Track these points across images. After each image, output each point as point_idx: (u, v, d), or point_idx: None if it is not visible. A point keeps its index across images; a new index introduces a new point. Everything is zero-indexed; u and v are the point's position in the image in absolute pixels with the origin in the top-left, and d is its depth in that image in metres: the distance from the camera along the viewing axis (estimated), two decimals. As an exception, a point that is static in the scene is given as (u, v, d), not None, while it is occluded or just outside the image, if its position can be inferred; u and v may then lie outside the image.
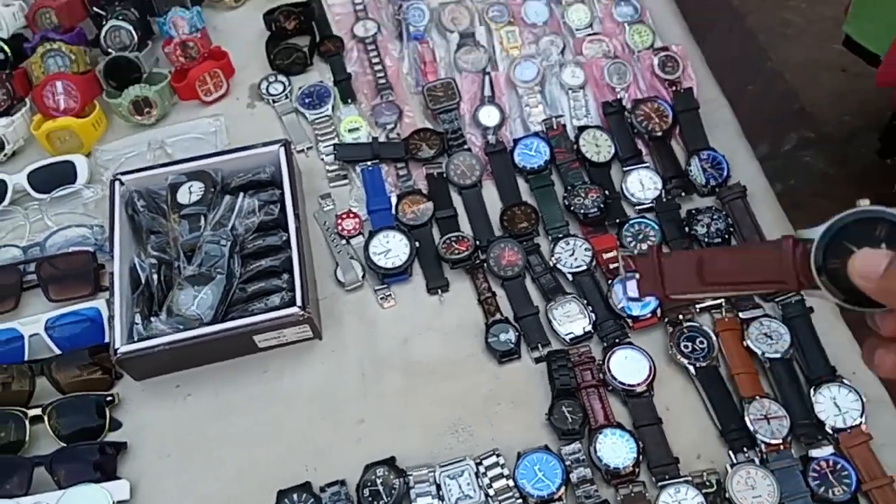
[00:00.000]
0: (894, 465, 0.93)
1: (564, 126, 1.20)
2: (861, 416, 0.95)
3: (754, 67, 2.29)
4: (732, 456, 0.95)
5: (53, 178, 1.21)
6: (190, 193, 1.10)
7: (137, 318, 1.01)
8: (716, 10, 2.40)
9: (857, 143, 2.10)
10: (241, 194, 1.09)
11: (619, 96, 1.22)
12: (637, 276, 0.72)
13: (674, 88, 1.22)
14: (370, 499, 0.93)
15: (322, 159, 1.21)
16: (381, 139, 1.21)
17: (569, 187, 1.15)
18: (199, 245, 1.05)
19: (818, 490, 0.92)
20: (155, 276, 1.04)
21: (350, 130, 1.22)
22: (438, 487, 0.93)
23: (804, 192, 2.04)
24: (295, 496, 0.93)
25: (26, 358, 1.05)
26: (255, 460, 0.98)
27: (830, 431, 0.95)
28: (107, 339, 1.05)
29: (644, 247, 1.09)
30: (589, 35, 1.28)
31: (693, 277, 0.67)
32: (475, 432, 0.98)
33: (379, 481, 0.94)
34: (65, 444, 0.99)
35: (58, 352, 1.06)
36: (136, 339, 1.00)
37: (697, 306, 1.05)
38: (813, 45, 2.29)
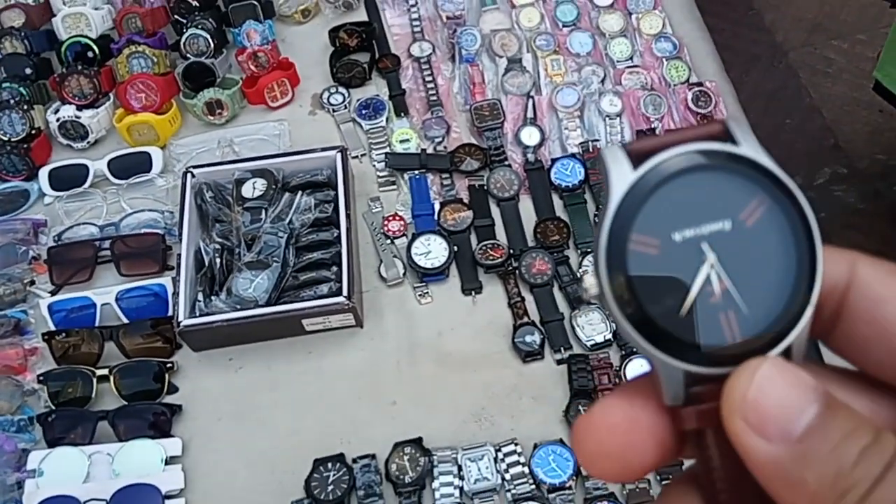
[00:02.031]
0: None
1: (600, 150, 1.28)
2: None
3: (793, 102, 2.34)
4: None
5: (131, 166, 1.31)
6: (253, 189, 1.19)
7: (199, 296, 1.11)
8: (761, 45, 2.46)
9: (889, 180, 2.13)
10: (300, 193, 1.18)
11: (653, 126, 1.30)
12: None
13: (705, 121, 1.30)
14: (397, 473, 1.01)
15: (374, 166, 1.30)
16: (429, 151, 1.30)
17: (600, 206, 1.23)
18: (258, 235, 1.14)
19: None
20: (217, 260, 1.14)
21: (401, 141, 1.31)
22: (459, 468, 1.01)
23: (835, 225, 2.08)
24: (329, 465, 1.02)
25: (97, 324, 1.16)
26: (295, 430, 1.07)
27: None
28: (170, 313, 1.15)
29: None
30: (629, 67, 1.36)
31: None
32: (497, 422, 1.06)
33: (406, 458, 1.02)
34: (126, 403, 1.10)
35: (125, 321, 1.16)
36: (197, 314, 1.10)
37: None
38: (852, 84, 2.33)
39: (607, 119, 1.31)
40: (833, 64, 2.39)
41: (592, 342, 1.11)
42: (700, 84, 1.33)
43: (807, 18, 2.49)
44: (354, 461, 1.03)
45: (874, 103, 2.17)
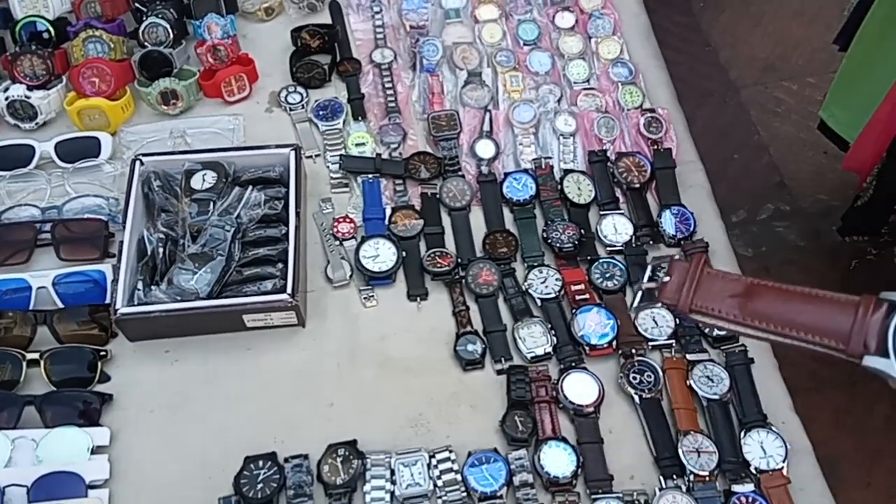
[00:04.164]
0: (807, 509, 1.00)
1: (552, 167, 1.29)
2: (783, 462, 1.02)
3: (742, 138, 2.40)
4: (662, 481, 1.02)
5: (78, 150, 1.28)
6: (203, 181, 1.18)
7: (139, 285, 1.09)
8: (715, 81, 2.53)
9: (829, 220, 2.19)
10: (250, 188, 1.17)
11: (605, 147, 1.31)
12: (665, 278, 0.66)
13: (655, 147, 1.31)
14: (329, 474, 1.00)
15: (328, 167, 1.29)
16: (384, 156, 1.30)
17: (549, 222, 1.23)
18: (205, 227, 1.13)
19: (735, 522, 0.99)
20: (161, 250, 1.12)
21: (357, 144, 1.31)
22: (392, 472, 1.01)
23: (774, 259, 2.13)
24: (260, 463, 1.01)
25: (31, 307, 1.13)
26: (229, 426, 1.05)
27: (754, 471, 1.02)
28: (107, 301, 1.13)
29: (610, 284, 1.18)
30: (585, 89, 1.38)
31: (733, 302, 0.60)
32: (433, 428, 1.06)
33: (339, 460, 1.01)
34: (55, 389, 1.06)
35: (61, 306, 1.13)
36: (135, 303, 1.08)
37: (650, 344, 1.13)
38: (800, 125, 2.41)
39: (561, 138, 1.32)
40: (782, 104, 2.47)
41: (532, 354, 1.11)
42: (652, 110, 1.35)
43: (760, 58, 2.57)
44: (286, 460, 1.01)
45: (820, 145, 2.24)
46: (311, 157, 1.30)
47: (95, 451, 1.02)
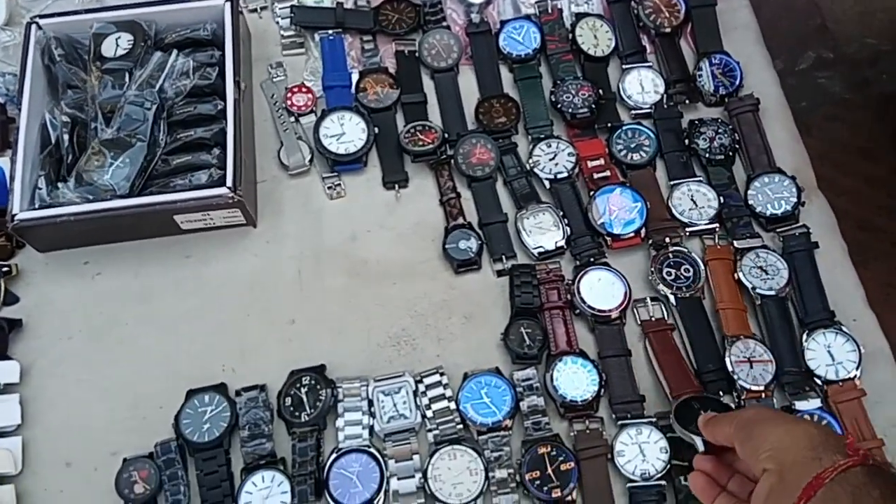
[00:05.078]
0: (886, 426, 0.84)
1: (561, 11, 1.10)
2: (856, 369, 0.87)
3: (779, -28, 2.14)
4: (706, 399, 0.86)
5: (-34, 15, 1.07)
6: (116, 46, 0.98)
7: (41, 183, 0.90)
8: None
9: (879, 67, 1.98)
10: (175, 52, 0.98)
11: (627, -20, 1.10)
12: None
13: None
14: (291, 409, 0.85)
15: (277, 22, 1.10)
16: (348, 5, 1.10)
17: (558, 81, 1.04)
18: (120, 105, 0.93)
19: (797, 446, 0.83)
20: (66, 137, 0.94)
21: (313, -9, 1.10)
22: (370, 403, 0.85)
23: (816, 116, 1.94)
24: (206, 398, 0.85)
25: (-86, 214, 0.95)
26: (167, 353, 0.91)
27: (820, 383, 0.87)
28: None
29: (636, 157, 0.98)
30: None
31: None
32: (419, 346, 0.91)
33: (304, 391, 0.86)
34: (-51, 317, 0.90)
35: (-48, 211, 0.95)
36: (37, 205, 0.90)
37: (688, 230, 0.94)
38: (845, -44, 2.15)
39: (572, -29, 1.11)
40: (827, -68, 2.19)
41: (541, 249, 0.94)
42: (687, -64, 1.12)
43: None
44: (238, 393, 0.86)
45: (868, -22, 1.98)
46: (255, 10, 1.11)
47: (3, 390, 0.87)
